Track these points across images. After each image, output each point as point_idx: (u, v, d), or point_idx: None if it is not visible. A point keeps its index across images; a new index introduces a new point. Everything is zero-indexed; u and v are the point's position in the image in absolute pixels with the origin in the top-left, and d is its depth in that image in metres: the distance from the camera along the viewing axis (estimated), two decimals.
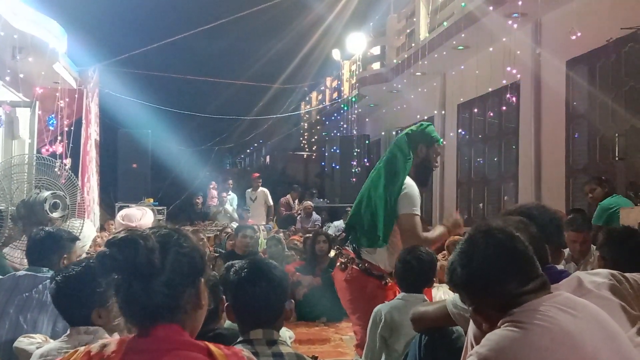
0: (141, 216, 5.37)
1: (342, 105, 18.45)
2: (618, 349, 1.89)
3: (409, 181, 4.30)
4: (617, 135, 8.04)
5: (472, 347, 2.13)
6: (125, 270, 1.66)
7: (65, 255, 3.67)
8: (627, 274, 2.57)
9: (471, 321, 2.24)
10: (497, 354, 1.83)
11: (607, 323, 1.96)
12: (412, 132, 4.47)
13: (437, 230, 4.60)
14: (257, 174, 15.48)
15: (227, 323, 3.00)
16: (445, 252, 8.31)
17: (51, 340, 2.88)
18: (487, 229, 2.08)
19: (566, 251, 5.46)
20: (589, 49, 8.88)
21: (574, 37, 8.36)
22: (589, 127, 9.18)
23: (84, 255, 5.31)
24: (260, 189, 14.51)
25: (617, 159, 8.10)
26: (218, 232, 11.66)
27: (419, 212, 4.26)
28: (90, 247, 6.27)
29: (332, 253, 7.72)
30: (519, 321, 1.89)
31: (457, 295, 2.97)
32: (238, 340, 2.46)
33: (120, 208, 12.80)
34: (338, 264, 4.54)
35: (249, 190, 14.68)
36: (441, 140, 4.65)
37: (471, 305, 2.07)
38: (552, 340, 1.83)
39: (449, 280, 2.12)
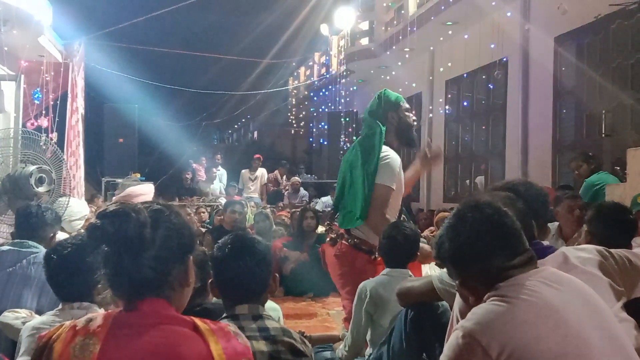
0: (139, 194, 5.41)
1: (336, 75, 18.33)
2: (602, 323, 1.90)
3: (391, 153, 4.28)
4: (604, 112, 8.06)
5: (458, 321, 2.14)
6: (116, 242, 1.66)
7: (51, 235, 3.69)
8: (612, 250, 2.59)
9: (457, 296, 2.25)
10: (482, 327, 1.84)
11: (591, 298, 1.97)
12: (373, 109, 4.44)
13: (411, 171, 4.66)
14: (259, 155, 15.53)
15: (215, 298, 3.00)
16: (433, 227, 8.36)
17: (36, 315, 2.87)
18: (475, 203, 2.08)
19: (554, 228, 5.49)
20: (578, 26, 8.87)
21: (562, 14, 8.34)
22: (577, 103, 9.21)
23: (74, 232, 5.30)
24: (259, 169, 14.74)
25: (604, 135, 8.14)
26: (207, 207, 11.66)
27: (394, 187, 4.25)
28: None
29: (320, 229, 7.74)
30: (504, 295, 1.90)
31: (443, 270, 2.99)
32: (224, 315, 2.46)
33: (107, 183, 12.74)
34: (328, 239, 4.55)
35: (246, 170, 14.82)
36: (402, 97, 4.57)
37: (458, 279, 2.08)
38: (537, 314, 1.84)
39: (437, 255, 2.13)
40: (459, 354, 1.85)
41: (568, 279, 2.01)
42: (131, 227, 1.65)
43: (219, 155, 16.27)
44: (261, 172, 14.90)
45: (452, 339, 1.89)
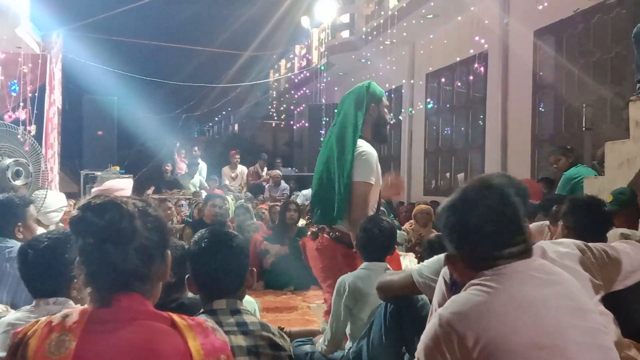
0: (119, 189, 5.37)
1: (317, 68, 18.27)
2: (583, 318, 1.90)
3: (367, 147, 4.24)
4: (583, 105, 8.12)
5: None
6: (100, 235, 1.64)
7: (19, 223, 3.60)
8: (590, 244, 2.59)
9: (436, 289, 2.25)
10: (459, 317, 1.84)
11: (575, 293, 1.97)
12: (359, 96, 4.38)
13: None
14: (235, 151, 15.28)
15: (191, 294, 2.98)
16: (412, 220, 8.38)
17: (12, 310, 2.83)
18: (487, 184, 2.06)
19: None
20: (557, 19, 8.92)
21: (541, 7, 8.39)
22: (556, 97, 9.26)
23: (52, 226, 5.24)
24: (239, 166, 14.60)
25: (583, 129, 8.19)
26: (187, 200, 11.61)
27: (373, 182, 4.23)
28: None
29: (301, 222, 7.73)
30: (485, 285, 1.90)
31: (423, 264, 3.00)
32: (201, 310, 2.44)
33: (86, 176, 12.64)
34: (309, 232, 4.53)
35: (227, 167, 14.68)
36: (384, 93, 4.55)
37: (448, 251, 2.07)
38: (515, 306, 1.84)
39: (436, 222, 2.12)
40: (436, 341, 1.86)
41: (556, 272, 2.02)
42: (117, 220, 1.64)
43: (196, 148, 16.17)
44: (241, 170, 14.70)
45: (430, 326, 1.90)
